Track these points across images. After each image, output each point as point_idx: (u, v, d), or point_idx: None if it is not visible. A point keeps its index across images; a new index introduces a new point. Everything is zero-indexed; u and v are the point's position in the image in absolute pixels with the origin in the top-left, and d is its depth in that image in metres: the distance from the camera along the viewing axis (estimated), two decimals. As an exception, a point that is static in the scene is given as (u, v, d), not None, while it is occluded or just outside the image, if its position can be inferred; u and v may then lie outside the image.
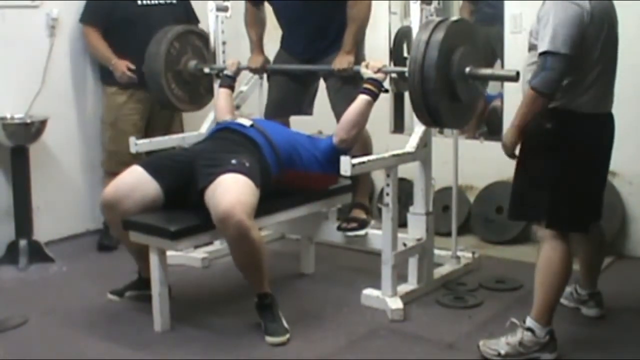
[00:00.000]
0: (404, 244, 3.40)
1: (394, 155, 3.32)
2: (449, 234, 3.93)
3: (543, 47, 2.66)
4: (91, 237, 4.42)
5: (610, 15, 2.79)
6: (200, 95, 4.16)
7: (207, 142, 3.43)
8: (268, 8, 3.91)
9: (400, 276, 3.42)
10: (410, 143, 3.41)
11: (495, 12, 4.41)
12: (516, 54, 3.89)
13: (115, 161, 4.21)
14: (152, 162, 3.32)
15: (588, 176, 2.85)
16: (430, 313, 3.32)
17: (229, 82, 3.84)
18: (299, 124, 3.98)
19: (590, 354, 2.91)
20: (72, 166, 4.47)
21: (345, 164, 3.08)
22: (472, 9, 4.69)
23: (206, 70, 4.01)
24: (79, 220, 4.48)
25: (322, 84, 3.90)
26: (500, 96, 4.49)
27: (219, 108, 3.80)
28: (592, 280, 3.24)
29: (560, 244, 2.80)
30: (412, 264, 3.48)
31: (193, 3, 4.47)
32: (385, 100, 4.39)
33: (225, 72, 3.87)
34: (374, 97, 3.34)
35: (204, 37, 4.11)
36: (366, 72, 3.37)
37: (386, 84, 3.45)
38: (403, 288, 3.41)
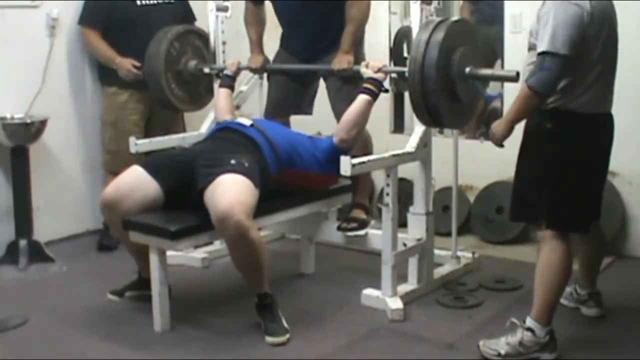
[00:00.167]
0: (404, 244, 3.40)
1: (394, 155, 3.32)
2: (449, 234, 3.93)
3: (542, 47, 2.66)
4: (91, 237, 4.42)
5: (610, 15, 2.79)
6: (200, 95, 4.16)
7: (207, 142, 3.43)
8: (268, 7, 3.91)
9: (400, 276, 3.42)
10: (410, 143, 3.41)
11: (495, 12, 4.41)
12: (516, 54, 3.89)
13: (116, 161, 4.21)
14: (152, 162, 3.32)
15: (588, 176, 2.86)
16: (430, 313, 3.32)
17: (229, 82, 3.84)
18: (298, 124, 3.98)
19: (590, 354, 2.91)
20: (72, 166, 4.47)
21: (345, 164, 3.08)
22: (472, 8, 4.69)
23: (206, 70, 4.01)
24: (79, 220, 4.48)
25: (322, 83, 3.90)
26: (500, 96, 4.49)
27: (219, 108, 3.80)
28: (591, 280, 3.24)
29: (560, 244, 2.80)
30: (412, 264, 3.48)
31: (193, 3, 4.47)
32: (385, 100, 4.39)
33: (225, 72, 3.87)
34: (374, 96, 3.34)
35: (204, 37, 4.11)
36: (366, 72, 3.37)
37: (386, 84, 3.45)
38: (403, 288, 3.41)
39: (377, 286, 3.35)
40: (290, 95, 3.93)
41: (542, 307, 2.81)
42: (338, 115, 3.68)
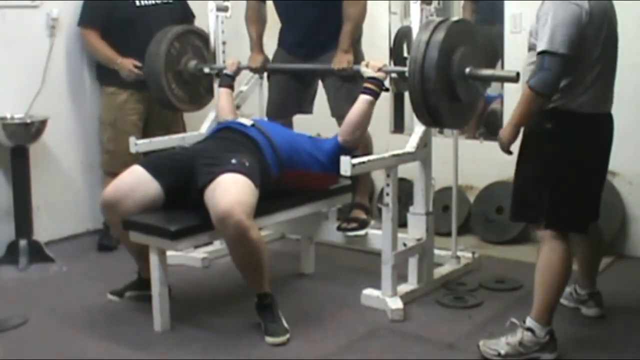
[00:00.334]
0: (404, 244, 3.40)
1: (394, 155, 3.32)
2: (449, 234, 3.93)
3: (541, 46, 2.66)
4: (91, 237, 4.42)
5: (609, 15, 2.79)
6: (200, 95, 4.15)
7: (208, 141, 3.43)
8: (269, 6, 3.91)
9: (400, 276, 3.42)
10: (410, 143, 3.41)
11: (495, 12, 4.41)
12: (516, 54, 3.88)
13: (114, 161, 4.21)
14: (152, 161, 3.32)
15: (588, 176, 2.86)
16: (430, 313, 3.32)
17: (228, 82, 3.85)
18: (298, 124, 3.98)
19: (590, 354, 2.91)
20: (72, 166, 4.47)
21: (345, 164, 3.08)
22: (473, 8, 4.69)
23: (206, 70, 4.00)
24: (79, 220, 4.48)
25: (320, 83, 3.90)
26: (500, 97, 4.49)
27: (220, 109, 3.80)
28: (591, 280, 3.24)
29: (560, 244, 2.80)
30: (412, 264, 3.48)
31: (193, 3, 4.47)
32: (385, 100, 4.39)
33: (225, 71, 3.87)
34: (376, 96, 3.34)
35: (204, 37, 4.11)
36: (367, 71, 3.37)
37: (386, 83, 3.44)
38: (403, 288, 3.41)
39: (377, 286, 3.35)
40: (291, 96, 3.93)
41: (542, 307, 2.81)
42: (337, 115, 3.69)
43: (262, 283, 3.08)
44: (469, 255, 3.87)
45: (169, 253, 3.21)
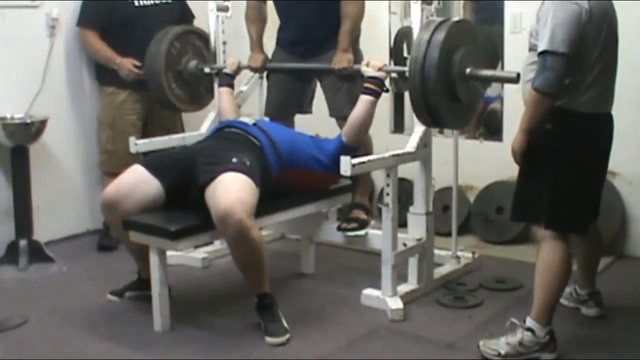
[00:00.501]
0: (404, 244, 3.40)
1: (394, 155, 3.32)
2: (449, 234, 3.93)
3: (542, 46, 2.66)
4: (91, 237, 4.42)
5: (609, 15, 2.79)
6: (200, 95, 4.15)
7: (209, 140, 3.43)
8: (269, 6, 3.91)
9: (400, 276, 3.42)
10: (410, 143, 3.41)
11: (495, 12, 4.41)
12: (516, 54, 3.88)
13: (112, 162, 4.21)
14: (152, 161, 3.32)
15: (588, 176, 2.86)
16: (430, 313, 3.32)
17: (228, 81, 3.85)
18: (298, 125, 3.98)
19: (590, 354, 2.91)
20: (72, 166, 4.47)
21: (345, 164, 3.07)
22: (474, 8, 4.69)
23: (206, 70, 4.00)
24: (79, 220, 4.48)
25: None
26: (500, 98, 4.49)
27: (223, 109, 3.81)
28: (590, 280, 3.24)
29: (560, 245, 2.80)
30: (412, 264, 3.48)
31: (193, 3, 4.47)
32: (385, 100, 4.38)
33: (224, 70, 3.87)
34: (377, 96, 3.34)
35: (204, 37, 4.11)
36: (367, 71, 3.37)
37: (386, 84, 3.44)
38: (403, 288, 3.41)
39: (377, 286, 3.35)
40: (291, 95, 3.93)
41: (542, 307, 2.81)
42: (337, 115, 3.69)
43: (263, 283, 3.08)
44: (469, 255, 3.87)
45: (169, 253, 3.21)
